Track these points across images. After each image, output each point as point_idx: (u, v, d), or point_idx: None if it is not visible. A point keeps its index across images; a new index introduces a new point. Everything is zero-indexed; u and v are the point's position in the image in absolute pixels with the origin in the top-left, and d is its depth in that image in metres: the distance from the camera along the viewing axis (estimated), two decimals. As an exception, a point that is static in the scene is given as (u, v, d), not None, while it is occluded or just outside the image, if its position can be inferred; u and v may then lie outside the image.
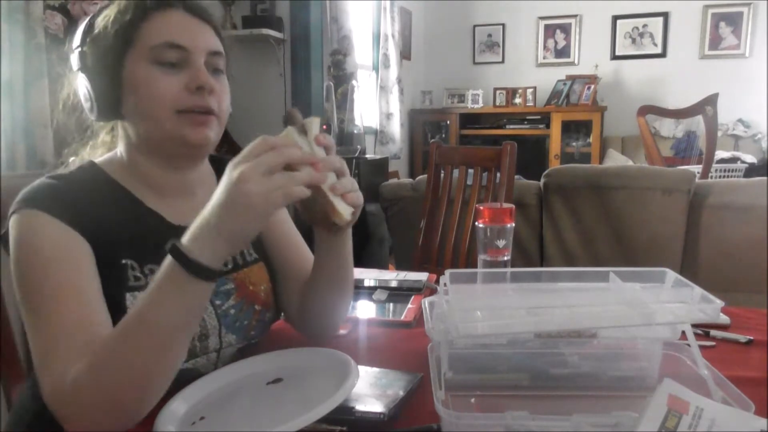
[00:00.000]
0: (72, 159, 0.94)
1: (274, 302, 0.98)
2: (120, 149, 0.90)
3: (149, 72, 0.81)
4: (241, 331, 0.89)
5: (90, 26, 0.85)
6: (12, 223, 0.78)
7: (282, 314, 1.07)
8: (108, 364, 0.67)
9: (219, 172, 0.98)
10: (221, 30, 0.90)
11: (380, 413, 0.70)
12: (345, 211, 0.74)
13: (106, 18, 0.84)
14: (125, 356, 0.67)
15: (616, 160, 5.02)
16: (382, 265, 3.50)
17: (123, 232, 0.82)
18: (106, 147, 0.94)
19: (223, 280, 0.90)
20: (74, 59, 0.85)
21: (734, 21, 5.15)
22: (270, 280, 0.97)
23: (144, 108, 0.82)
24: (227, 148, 0.93)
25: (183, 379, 0.83)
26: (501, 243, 0.97)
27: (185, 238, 0.66)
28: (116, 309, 0.77)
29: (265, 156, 0.64)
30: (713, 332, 1.03)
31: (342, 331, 1.04)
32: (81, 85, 0.86)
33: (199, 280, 0.65)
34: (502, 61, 5.84)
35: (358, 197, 0.76)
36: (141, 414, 0.69)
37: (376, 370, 0.84)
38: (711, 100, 3.75)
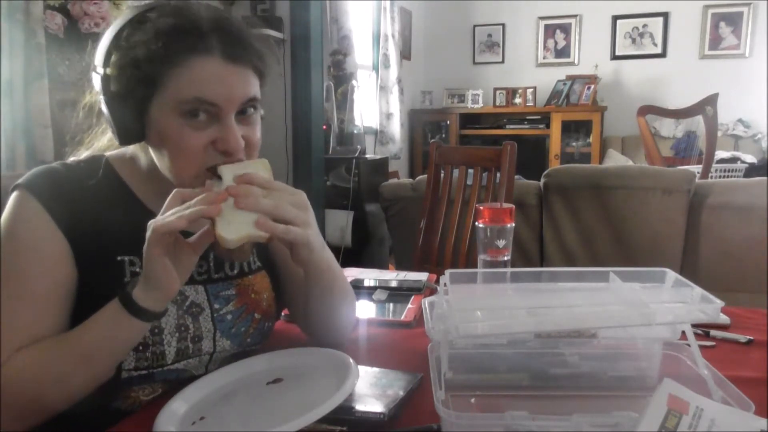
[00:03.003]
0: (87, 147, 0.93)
1: (276, 312, 0.97)
2: (135, 150, 0.87)
3: (177, 126, 0.76)
4: (237, 338, 0.89)
5: (114, 47, 0.77)
6: (11, 200, 0.80)
7: (282, 315, 1.07)
8: (38, 369, 0.73)
9: None
10: (262, 59, 0.81)
11: (380, 413, 0.70)
12: (227, 235, 0.70)
13: (132, 48, 0.76)
14: (54, 368, 0.73)
15: (616, 160, 5.02)
16: (382, 265, 3.50)
17: (121, 230, 0.82)
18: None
19: (226, 284, 0.90)
20: (95, 80, 0.79)
21: (734, 21, 5.15)
22: (273, 289, 0.96)
23: (169, 159, 0.79)
24: None
25: (174, 379, 0.83)
26: (501, 243, 0.97)
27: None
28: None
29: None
30: (713, 332, 1.03)
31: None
32: (103, 108, 0.80)
33: (132, 317, 0.72)
34: (502, 61, 5.84)
35: (266, 209, 0.72)
36: (54, 413, 0.75)
37: (376, 370, 0.84)
38: (711, 100, 3.75)
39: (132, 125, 0.78)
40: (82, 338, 0.74)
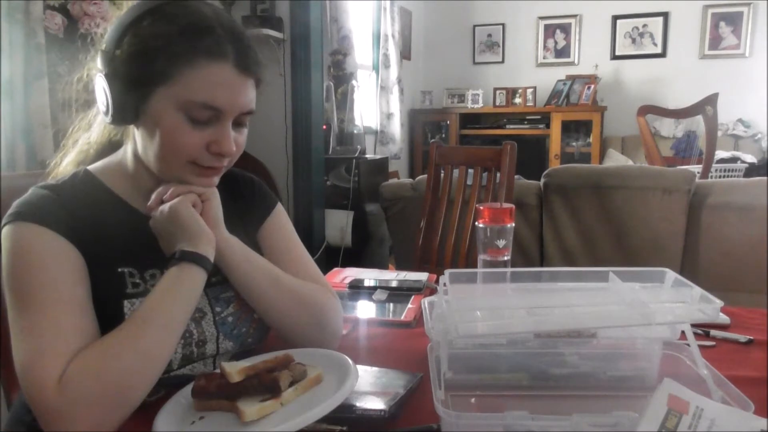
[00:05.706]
0: (63, 162, 0.92)
1: None
2: (124, 154, 0.88)
3: (176, 121, 0.78)
4: (239, 338, 0.89)
5: (130, 32, 0.78)
6: (4, 235, 0.77)
7: None
8: (120, 353, 0.71)
9: (224, 186, 0.91)
10: (263, 70, 0.84)
11: (381, 410, 0.70)
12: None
13: (150, 38, 0.77)
14: (138, 344, 0.72)
15: (616, 160, 5.02)
16: (382, 265, 3.50)
17: (119, 242, 0.82)
18: (96, 148, 0.92)
19: (224, 286, 0.89)
20: (102, 60, 0.80)
21: (734, 21, 5.15)
22: None
23: (158, 147, 0.80)
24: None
25: (180, 384, 0.83)
26: (501, 243, 0.97)
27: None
28: (114, 316, 0.77)
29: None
30: (713, 332, 1.03)
31: (342, 331, 1.04)
32: (100, 85, 0.81)
33: (202, 269, 0.78)
34: (502, 61, 5.84)
35: None
36: (137, 402, 0.72)
37: (375, 369, 0.84)
38: (711, 100, 3.75)
39: (129, 108, 0.79)
40: (151, 308, 0.75)
